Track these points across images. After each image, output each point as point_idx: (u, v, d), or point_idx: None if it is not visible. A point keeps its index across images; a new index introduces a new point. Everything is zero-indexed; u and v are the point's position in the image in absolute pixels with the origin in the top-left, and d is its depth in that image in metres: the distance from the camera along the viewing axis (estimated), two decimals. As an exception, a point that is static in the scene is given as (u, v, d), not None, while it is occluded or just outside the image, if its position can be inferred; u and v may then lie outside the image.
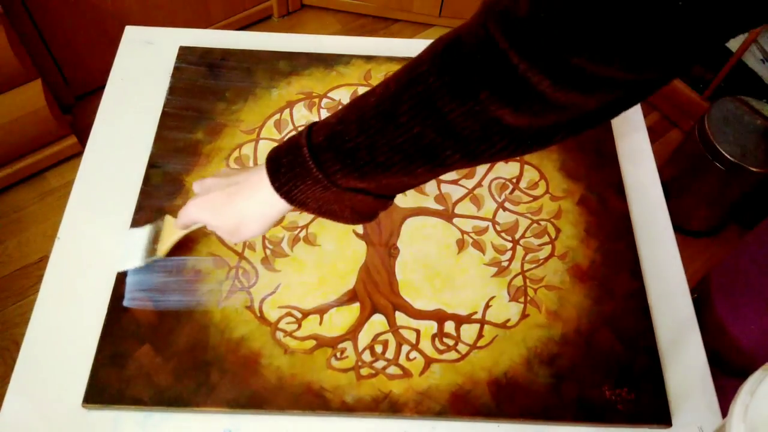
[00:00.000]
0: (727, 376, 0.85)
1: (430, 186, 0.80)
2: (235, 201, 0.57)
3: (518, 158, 0.83)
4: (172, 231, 0.69)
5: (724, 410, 0.69)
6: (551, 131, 0.41)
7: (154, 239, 0.70)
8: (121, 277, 0.71)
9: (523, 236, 0.77)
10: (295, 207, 0.54)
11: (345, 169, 0.48)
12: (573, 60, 0.33)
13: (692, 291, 0.88)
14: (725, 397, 0.80)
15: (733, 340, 0.82)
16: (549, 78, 0.34)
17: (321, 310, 0.71)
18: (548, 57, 0.33)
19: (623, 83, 0.36)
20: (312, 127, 0.51)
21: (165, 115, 0.84)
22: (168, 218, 0.71)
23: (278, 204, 0.54)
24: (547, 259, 0.76)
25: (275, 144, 0.82)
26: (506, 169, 0.83)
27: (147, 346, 0.67)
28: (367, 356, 0.68)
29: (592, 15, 0.31)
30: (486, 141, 0.41)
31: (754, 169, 1.35)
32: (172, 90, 0.87)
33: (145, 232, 0.71)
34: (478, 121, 0.39)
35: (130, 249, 0.70)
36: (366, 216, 0.55)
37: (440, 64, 0.41)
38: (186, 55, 0.90)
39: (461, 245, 0.76)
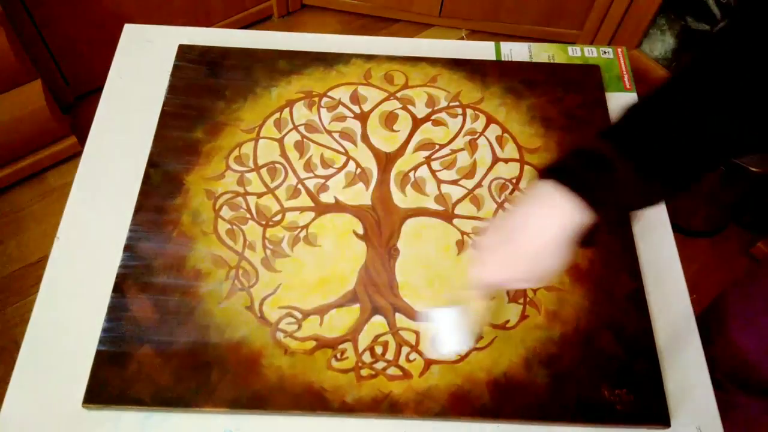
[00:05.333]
0: (748, 396, 0.84)
1: (430, 186, 0.80)
2: (525, 239, 0.54)
3: (518, 158, 0.83)
4: (479, 304, 0.63)
5: (741, 429, 0.68)
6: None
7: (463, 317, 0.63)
8: (122, 277, 0.71)
9: (522, 237, 0.77)
10: (594, 209, 0.52)
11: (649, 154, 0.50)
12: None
13: (704, 311, 0.87)
14: (746, 416, 0.80)
15: (752, 361, 0.81)
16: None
17: (321, 311, 0.71)
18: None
19: None
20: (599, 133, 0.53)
21: (164, 114, 0.84)
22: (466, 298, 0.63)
23: (576, 214, 0.52)
24: (546, 259, 0.76)
25: (275, 143, 0.82)
26: (506, 169, 0.83)
27: (147, 346, 0.67)
28: (367, 357, 0.68)
29: None
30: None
31: (754, 169, 1.35)
32: (172, 89, 0.87)
33: (451, 313, 0.63)
34: None
35: (445, 334, 0.64)
36: (649, 204, 0.54)
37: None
38: (185, 53, 0.90)
39: (461, 246, 0.76)
